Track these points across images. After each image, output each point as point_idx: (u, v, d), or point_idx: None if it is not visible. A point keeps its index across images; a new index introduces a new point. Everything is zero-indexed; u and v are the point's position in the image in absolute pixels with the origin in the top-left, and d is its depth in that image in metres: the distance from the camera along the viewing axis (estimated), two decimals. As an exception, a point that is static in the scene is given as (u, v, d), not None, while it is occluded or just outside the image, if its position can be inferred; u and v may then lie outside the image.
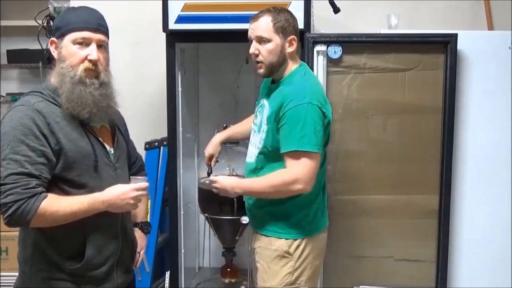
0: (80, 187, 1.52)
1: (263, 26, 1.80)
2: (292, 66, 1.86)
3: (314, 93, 1.78)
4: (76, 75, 1.53)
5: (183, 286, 2.54)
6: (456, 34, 2.21)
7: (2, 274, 2.93)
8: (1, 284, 2.90)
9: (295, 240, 1.84)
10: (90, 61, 1.54)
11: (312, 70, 2.15)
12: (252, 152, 1.92)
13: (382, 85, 2.25)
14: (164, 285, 2.68)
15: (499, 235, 2.33)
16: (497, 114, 2.30)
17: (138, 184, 1.59)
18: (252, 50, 1.82)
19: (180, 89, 2.38)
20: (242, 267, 2.70)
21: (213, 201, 2.44)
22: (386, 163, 2.29)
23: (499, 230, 2.33)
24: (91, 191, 1.52)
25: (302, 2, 2.15)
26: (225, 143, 2.47)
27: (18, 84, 3.28)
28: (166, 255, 2.84)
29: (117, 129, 1.72)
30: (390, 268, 2.34)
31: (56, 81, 1.55)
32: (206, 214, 2.48)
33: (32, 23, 2.58)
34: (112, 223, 1.62)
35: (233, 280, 2.68)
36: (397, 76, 2.27)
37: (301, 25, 2.10)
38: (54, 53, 1.57)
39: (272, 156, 1.83)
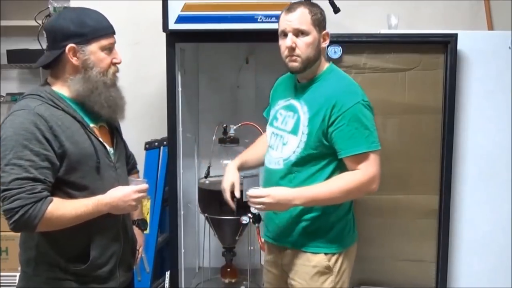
0: (82, 189, 1.52)
1: (301, 18, 1.69)
2: (324, 64, 1.80)
3: (361, 90, 1.74)
4: (109, 80, 1.59)
5: (183, 286, 2.54)
6: (456, 34, 2.21)
7: (2, 274, 2.93)
8: (1, 284, 2.90)
9: (334, 254, 1.76)
10: (115, 64, 1.61)
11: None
12: (279, 157, 1.79)
13: (382, 85, 2.25)
14: (164, 285, 2.68)
15: (499, 235, 2.33)
16: (497, 114, 2.30)
17: (139, 186, 1.60)
18: (289, 43, 1.68)
19: (180, 89, 2.38)
20: (242, 267, 2.70)
21: (213, 201, 2.44)
22: (386, 163, 2.28)
23: (499, 230, 2.33)
24: (93, 192, 1.52)
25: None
26: (225, 142, 2.48)
27: (18, 84, 3.27)
28: (166, 255, 2.84)
29: (115, 128, 1.72)
30: (390, 268, 2.34)
31: (80, 88, 1.55)
32: (206, 214, 2.48)
33: (32, 23, 2.58)
34: (114, 223, 1.62)
35: (233, 280, 2.68)
36: (397, 76, 2.27)
37: (301, 25, 2.10)
38: (73, 60, 1.54)
39: (311, 159, 1.73)
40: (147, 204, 2.64)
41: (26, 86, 3.23)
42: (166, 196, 2.67)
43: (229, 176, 1.88)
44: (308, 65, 1.72)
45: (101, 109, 1.58)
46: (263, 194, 1.65)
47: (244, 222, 2.21)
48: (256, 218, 2.09)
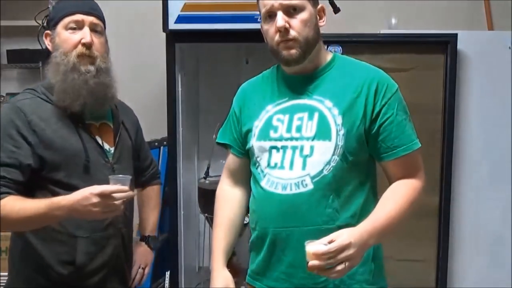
0: (70, 189, 1.37)
1: None
2: (326, 52, 1.43)
3: None
4: (69, 62, 1.42)
5: (183, 286, 2.54)
6: (456, 34, 2.21)
7: (2, 274, 2.93)
8: (1, 284, 2.91)
9: None
10: (83, 44, 1.43)
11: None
12: (302, 176, 1.30)
13: (382, 85, 2.25)
14: (164, 285, 2.68)
15: (499, 235, 2.33)
16: (497, 114, 2.30)
17: (103, 188, 1.29)
18: (281, 22, 1.28)
19: (180, 89, 2.38)
20: (242, 267, 2.70)
21: (213, 201, 2.43)
22: (386, 163, 2.28)
23: (499, 230, 2.33)
24: None
25: (302, 2, 2.15)
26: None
27: (18, 84, 3.26)
28: (166, 255, 2.84)
29: (122, 127, 1.61)
30: (390, 268, 2.33)
31: (50, 73, 1.46)
32: (206, 214, 2.48)
33: (32, 23, 2.57)
34: (104, 229, 1.49)
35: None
36: (397, 76, 2.25)
37: (301, 25, 2.09)
38: (49, 46, 1.49)
39: (352, 170, 1.30)
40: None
41: (26, 86, 3.19)
42: (166, 196, 2.67)
43: (219, 281, 1.45)
44: (308, 50, 1.33)
45: (57, 94, 1.42)
46: (342, 245, 1.11)
47: (244, 222, 2.21)
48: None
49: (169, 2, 2.19)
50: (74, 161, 1.43)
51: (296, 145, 1.32)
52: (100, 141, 1.52)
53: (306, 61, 1.35)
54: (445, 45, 2.23)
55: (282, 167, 1.32)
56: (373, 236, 1.19)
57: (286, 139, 1.34)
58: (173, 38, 2.29)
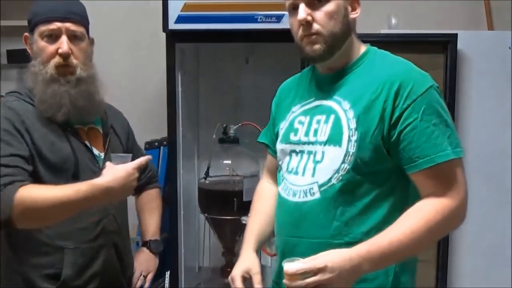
0: None
1: None
2: (360, 45, 1.29)
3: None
4: (47, 73, 1.37)
5: (183, 286, 2.54)
6: (456, 34, 2.21)
7: (2, 274, 2.92)
8: (1, 284, 2.90)
9: None
10: (60, 55, 1.37)
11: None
12: (311, 184, 1.20)
13: (382, 85, 2.25)
14: (164, 285, 2.68)
15: (499, 235, 2.33)
16: (497, 114, 2.30)
17: (137, 162, 1.33)
18: (302, 14, 1.17)
19: (180, 89, 2.38)
20: (242, 267, 2.70)
21: (213, 201, 2.44)
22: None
23: (499, 230, 2.33)
24: None
25: (302, 2, 2.14)
26: (225, 142, 2.47)
27: (18, 84, 3.27)
28: (166, 255, 2.84)
29: (111, 131, 1.56)
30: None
31: (29, 81, 1.41)
32: (206, 214, 2.48)
33: (32, 23, 2.57)
34: (93, 239, 1.43)
35: (233, 280, 2.67)
36: (397, 76, 2.26)
37: (301, 25, 2.09)
38: (29, 50, 1.43)
39: (366, 180, 1.16)
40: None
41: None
42: (166, 196, 2.67)
43: (242, 262, 1.34)
44: (335, 45, 1.20)
45: (39, 105, 1.36)
46: (314, 268, 1.01)
47: (244, 222, 2.21)
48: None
49: (169, 2, 2.19)
50: (63, 166, 1.38)
51: (311, 150, 1.22)
52: (89, 146, 1.47)
53: (335, 57, 1.23)
54: (445, 45, 2.22)
55: (296, 172, 1.24)
56: (368, 261, 1.05)
57: (304, 143, 1.25)
58: (173, 38, 2.28)
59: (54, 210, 1.26)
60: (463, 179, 1.16)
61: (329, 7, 1.18)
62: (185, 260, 2.57)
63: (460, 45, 2.22)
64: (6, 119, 1.33)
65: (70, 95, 1.39)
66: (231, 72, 2.84)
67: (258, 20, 2.15)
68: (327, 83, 1.27)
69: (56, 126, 1.40)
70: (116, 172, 1.31)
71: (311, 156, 1.22)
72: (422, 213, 1.10)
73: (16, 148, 1.31)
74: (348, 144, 1.15)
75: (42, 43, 1.38)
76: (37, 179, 1.34)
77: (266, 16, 2.14)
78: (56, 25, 1.37)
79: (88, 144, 1.46)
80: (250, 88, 2.82)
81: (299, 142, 1.26)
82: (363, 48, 1.29)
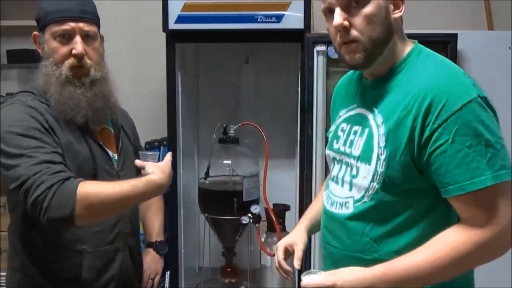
0: None
1: None
2: (405, 44, 1.18)
3: (472, 81, 1.11)
4: (61, 75, 1.35)
5: (183, 286, 2.54)
6: (456, 34, 2.21)
7: (2, 274, 2.93)
8: (1, 284, 2.90)
9: None
10: (75, 56, 1.34)
11: (312, 71, 2.14)
12: (347, 197, 1.18)
13: (382, 85, 2.24)
14: (164, 285, 2.68)
15: (499, 235, 2.33)
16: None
17: (169, 157, 1.37)
18: (337, 20, 1.08)
19: (180, 89, 2.38)
20: (242, 267, 2.70)
21: (213, 201, 2.44)
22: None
23: (499, 230, 2.33)
24: None
25: (302, 2, 2.14)
26: (225, 142, 2.48)
27: (18, 84, 3.27)
28: (166, 255, 2.84)
29: (122, 132, 1.56)
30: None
31: (42, 82, 1.38)
32: (206, 214, 2.48)
33: (32, 23, 2.56)
34: (110, 241, 1.43)
35: (233, 280, 2.67)
36: (397, 76, 2.26)
37: (301, 25, 2.10)
38: (39, 49, 1.41)
39: (398, 200, 1.10)
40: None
41: (26, 86, 3.22)
42: (166, 196, 2.67)
43: (291, 235, 1.37)
44: (376, 52, 1.11)
45: (57, 107, 1.33)
46: (328, 283, 1.03)
47: (244, 222, 2.22)
48: (256, 218, 2.09)
49: (169, 2, 2.19)
50: (82, 169, 1.35)
51: (348, 162, 1.19)
52: (104, 147, 1.46)
53: (377, 63, 1.15)
54: (445, 45, 2.22)
55: (337, 181, 1.23)
56: (383, 283, 1.03)
57: (341, 153, 1.23)
58: (173, 38, 2.29)
59: (115, 205, 1.25)
60: (506, 206, 1.02)
61: (368, 9, 1.08)
62: (185, 260, 2.57)
63: (460, 45, 2.22)
64: (32, 117, 1.29)
65: (87, 97, 1.37)
66: (231, 72, 2.84)
67: (258, 20, 2.15)
68: (369, 89, 1.21)
69: (74, 127, 1.38)
70: (164, 169, 1.31)
71: (348, 169, 1.19)
72: (449, 241, 1.04)
73: (52, 146, 1.28)
74: (377, 162, 1.10)
75: (55, 44, 1.35)
76: None
77: (266, 16, 2.14)
78: (69, 25, 1.34)
79: (102, 145, 1.45)
80: (250, 88, 2.82)
81: (339, 151, 1.24)
82: (407, 48, 1.19)
